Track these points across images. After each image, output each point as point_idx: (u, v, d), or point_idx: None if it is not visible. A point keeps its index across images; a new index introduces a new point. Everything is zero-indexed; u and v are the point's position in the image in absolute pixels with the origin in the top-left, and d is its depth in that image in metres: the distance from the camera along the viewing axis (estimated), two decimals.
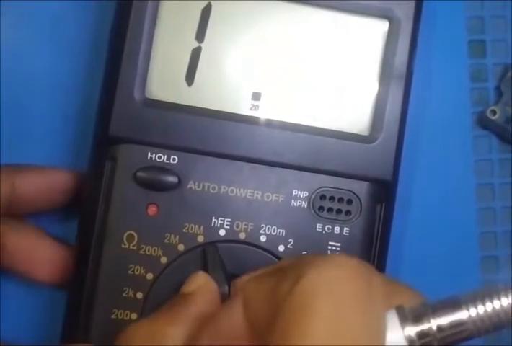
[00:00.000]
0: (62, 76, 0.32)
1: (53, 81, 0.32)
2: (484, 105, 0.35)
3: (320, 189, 0.29)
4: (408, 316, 0.21)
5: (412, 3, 0.30)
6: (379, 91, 0.30)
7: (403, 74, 0.30)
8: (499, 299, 0.21)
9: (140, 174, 0.28)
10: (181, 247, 0.28)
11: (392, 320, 0.21)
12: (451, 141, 0.35)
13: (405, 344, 0.21)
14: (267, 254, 0.29)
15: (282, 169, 0.29)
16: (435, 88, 0.35)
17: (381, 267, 0.30)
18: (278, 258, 0.29)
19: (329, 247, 0.29)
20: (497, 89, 0.35)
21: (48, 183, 0.30)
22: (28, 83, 0.32)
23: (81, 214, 0.29)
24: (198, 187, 0.29)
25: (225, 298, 0.27)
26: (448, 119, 0.35)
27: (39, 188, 0.30)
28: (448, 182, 0.35)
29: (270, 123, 0.29)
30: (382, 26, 0.30)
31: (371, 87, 0.30)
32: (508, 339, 0.34)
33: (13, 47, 0.33)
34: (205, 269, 0.28)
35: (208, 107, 0.29)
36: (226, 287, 0.27)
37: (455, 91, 0.35)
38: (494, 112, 0.34)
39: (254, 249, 0.29)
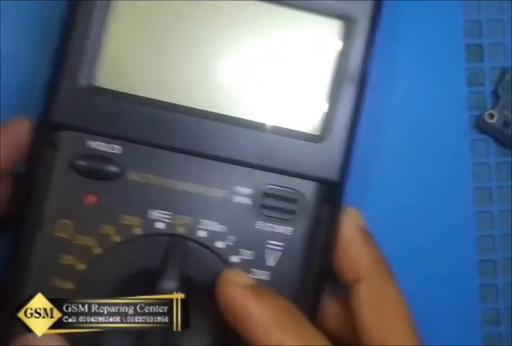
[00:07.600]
0: None
1: None
2: (481, 109, 0.35)
3: (265, 187, 0.29)
4: None
5: (370, 4, 0.29)
6: (331, 91, 0.29)
7: (356, 75, 0.29)
8: None
9: (79, 162, 0.28)
10: (117, 238, 0.28)
11: None
12: (449, 145, 0.35)
13: None
14: (207, 251, 0.28)
15: (227, 164, 0.28)
16: (433, 92, 0.35)
17: (323, 266, 0.29)
18: (217, 255, 0.28)
19: (271, 246, 0.28)
20: (494, 92, 0.35)
21: (13, 140, 0.28)
22: (28, 85, 0.32)
23: (18, 199, 0.28)
24: (139, 178, 0.28)
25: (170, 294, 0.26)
26: (446, 123, 0.35)
27: (5, 148, 0.28)
28: (446, 185, 0.34)
29: (217, 117, 0.28)
30: (337, 26, 0.29)
31: (323, 87, 0.29)
32: (508, 339, 0.34)
33: (13, 50, 0.33)
34: (165, 260, 0.27)
35: (154, 98, 0.28)
36: (175, 285, 0.27)
37: (452, 95, 0.35)
38: (492, 116, 0.34)
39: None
